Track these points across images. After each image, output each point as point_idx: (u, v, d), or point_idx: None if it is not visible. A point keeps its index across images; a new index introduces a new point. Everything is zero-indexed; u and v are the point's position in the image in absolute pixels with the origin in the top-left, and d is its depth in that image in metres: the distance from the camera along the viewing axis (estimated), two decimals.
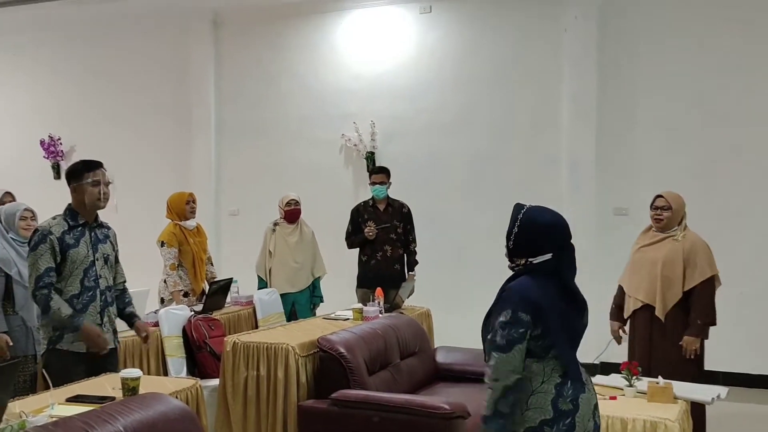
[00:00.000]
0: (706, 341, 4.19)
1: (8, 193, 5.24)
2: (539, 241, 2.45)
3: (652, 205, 4.34)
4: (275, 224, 5.97)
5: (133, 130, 8.24)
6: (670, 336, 4.16)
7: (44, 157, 8.53)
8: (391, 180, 5.91)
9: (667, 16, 6.40)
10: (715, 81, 6.25)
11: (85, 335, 3.54)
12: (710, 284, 4.16)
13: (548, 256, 2.43)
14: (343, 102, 7.41)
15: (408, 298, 5.76)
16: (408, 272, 5.85)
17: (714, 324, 4.18)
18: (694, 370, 4.10)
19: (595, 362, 6.17)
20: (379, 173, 5.93)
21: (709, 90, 6.26)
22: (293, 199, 5.93)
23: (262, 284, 5.89)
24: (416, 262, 5.92)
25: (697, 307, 4.13)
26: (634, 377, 3.57)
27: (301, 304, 5.90)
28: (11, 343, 4.09)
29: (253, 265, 6.00)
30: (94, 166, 3.69)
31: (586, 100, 6.53)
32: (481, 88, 6.97)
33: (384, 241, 5.76)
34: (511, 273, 2.54)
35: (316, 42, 7.54)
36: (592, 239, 6.27)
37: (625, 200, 6.45)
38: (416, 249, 5.92)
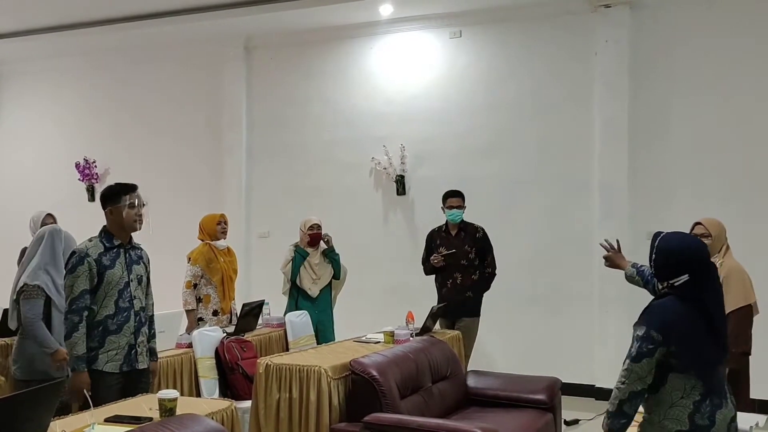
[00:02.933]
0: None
1: (50, 215, 5.32)
2: (673, 264, 2.62)
3: (690, 232, 4.24)
4: (296, 246, 5.96)
5: (165, 153, 8.37)
6: None
7: (79, 179, 8.68)
8: (465, 204, 5.68)
9: (698, 39, 6.35)
10: (752, 101, 6.16)
11: (73, 383, 3.49)
12: (744, 313, 4.02)
13: (685, 277, 2.58)
14: (374, 126, 7.45)
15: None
16: (467, 293, 5.57)
17: (748, 353, 4.05)
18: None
19: None
20: (455, 197, 5.65)
21: (746, 111, 6.18)
22: (316, 224, 5.92)
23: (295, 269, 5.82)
24: (486, 288, 5.62)
25: (730, 336, 4.02)
26: None
27: (324, 325, 5.92)
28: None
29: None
30: (130, 188, 3.74)
31: (618, 123, 6.47)
32: (512, 112, 6.96)
33: (454, 268, 5.56)
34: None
35: (347, 66, 7.61)
36: None
37: (660, 225, 6.29)
38: (491, 272, 5.61)
